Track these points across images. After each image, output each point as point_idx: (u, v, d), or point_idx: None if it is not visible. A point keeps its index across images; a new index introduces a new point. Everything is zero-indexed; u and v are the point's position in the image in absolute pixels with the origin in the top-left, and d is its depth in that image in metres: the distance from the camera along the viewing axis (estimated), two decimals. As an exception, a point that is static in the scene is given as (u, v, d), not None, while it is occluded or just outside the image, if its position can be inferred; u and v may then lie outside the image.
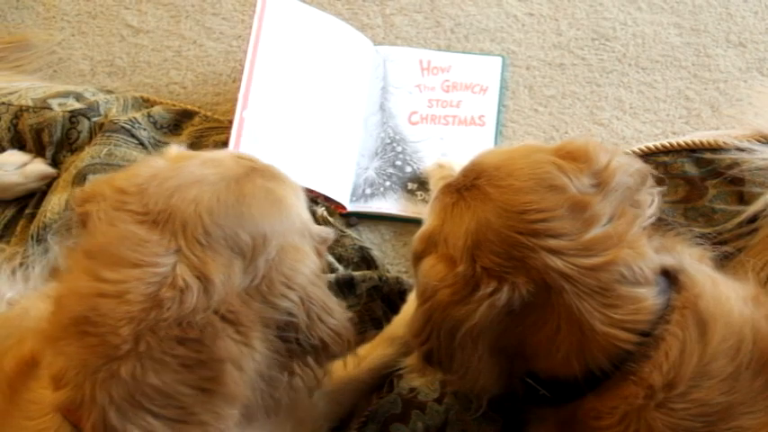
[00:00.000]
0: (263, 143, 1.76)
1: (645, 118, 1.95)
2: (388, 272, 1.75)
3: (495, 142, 1.92)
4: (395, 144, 1.92)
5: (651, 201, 1.28)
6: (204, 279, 1.05)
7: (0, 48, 2.04)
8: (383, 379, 1.56)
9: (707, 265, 1.34)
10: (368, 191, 1.87)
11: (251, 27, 1.84)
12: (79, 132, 1.85)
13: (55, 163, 1.85)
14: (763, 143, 1.69)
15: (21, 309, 1.40)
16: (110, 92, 1.99)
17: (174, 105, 1.96)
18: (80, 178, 1.76)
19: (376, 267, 1.75)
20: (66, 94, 1.91)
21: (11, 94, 1.90)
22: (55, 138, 1.85)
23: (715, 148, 1.73)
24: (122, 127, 1.84)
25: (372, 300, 1.67)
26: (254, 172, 1.19)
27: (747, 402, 1.13)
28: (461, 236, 1.20)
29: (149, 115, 1.90)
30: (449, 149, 1.90)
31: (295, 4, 1.93)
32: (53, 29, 2.13)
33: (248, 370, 1.09)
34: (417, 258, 1.28)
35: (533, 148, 1.28)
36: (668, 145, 1.78)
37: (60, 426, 1.07)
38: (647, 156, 1.77)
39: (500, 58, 2.02)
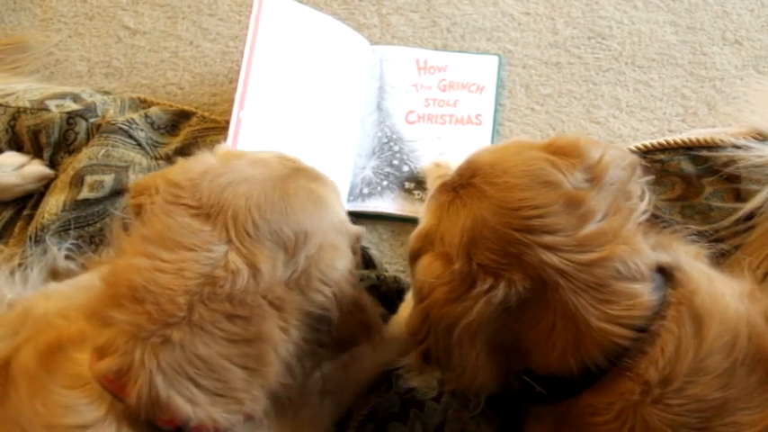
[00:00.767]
0: (260, 143, 1.76)
1: (641, 116, 1.95)
2: (385, 271, 1.75)
3: (492, 141, 1.92)
4: (392, 143, 1.92)
5: (641, 192, 1.28)
6: (253, 267, 1.13)
7: (-3, 50, 2.05)
8: (381, 378, 1.56)
9: (703, 262, 1.34)
10: (365, 190, 1.87)
11: (248, 27, 1.84)
12: (76, 134, 1.85)
13: (52, 164, 1.85)
14: (759, 141, 1.69)
15: (21, 309, 1.40)
16: (107, 93, 1.99)
17: (171, 106, 1.96)
18: (78, 179, 1.76)
19: (374, 267, 1.75)
20: (63, 96, 1.90)
21: (8, 95, 1.89)
22: (52, 139, 1.85)
23: (711, 146, 1.74)
24: (120, 128, 1.84)
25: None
26: (298, 173, 1.27)
27: (743, 398, 1.13)
28: (457, 233, 1.20)
29: (147, 116, 1.90)
30: (446, 148, 1.91)
31: (291, 4, 1.94)
32: (50, 30, 2.13)
33: (284, 358, 1.16)
34: (414, 257, 1.28)
35: (525, 145, 1.28)
36: (665, 143, 1.78)
37: (101, 395, 1.11)
38: (644, 154, 1.77)
39: (496, 57, 2.02)
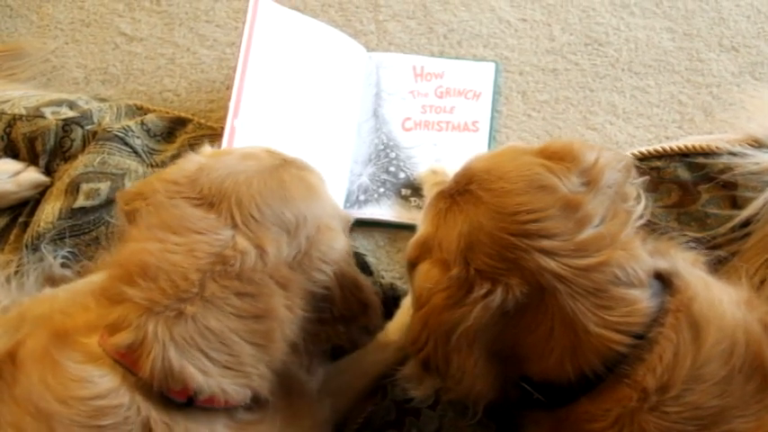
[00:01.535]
0: (256, 150, 1.75)
1: (638, 123, 1.95)
2: (382, 278, 1.74)
3: (489, 148, 1.91)
4: (388, 150, 1.92)
5: (637, 194, 1.28)
6: (260, 248, 1.18)
7: (-6, 57, 2.04)
8: (377, 385, 1.55)
9: (700, 269, 1.34)
10: (362, 197, 1.87)
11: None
12: (72, 141, 1.85)
13: (48, 171, 1.85)
14: (755, 147, 1.69)
15: (19, 311, 1.41)
16: (103, 100, 1.98)
17: (167, 113, 1.95)
18: (74, 187, 1.75)
19: (370, 273, 1.74)
20: (59, 103, 1.90)
21: (4, 102, 1.89)
22: (48, 146, 1.84)
23: (708, 153, 1.73)
24: (115, 135, 1.84)
25: (367, 306, 1.67)
26: (287, 163, 1.34)
27: (740, 406, 1.13)
28: (454, 239, 1.20)
29: (143, 123, 1.89)
30: (442, 155, 1.90)
31: (286, 12, 1.93)
32: (47, 37, 2.13)
33: (288, 336, 1.21)
34: (412, 265, 1.28)
35: (519, 151, 1.28)
36: (661, 150, 1.78)
37: (114, 367, 1.13)
38: (640, 160, 1.77)
39: (493, 64, 2.02)
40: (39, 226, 1.71)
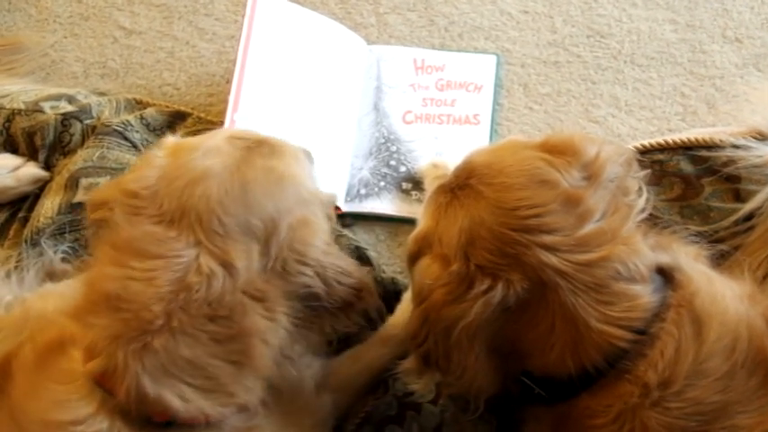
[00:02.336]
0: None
1: (640, 115, 1.94)
2: (383, 272, 1.74)
3: (491, 141, 1.91)
4: (389, 144, 1.91)
5: (639, 187, 1.27)
6: (228, 265, 1.12)
7: (-8, 51, 2.04)
8: (378, 380, 1.55)
9: (702, 263, 1.33)
10: (362, 191, 1.86)
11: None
12: (72, 135, 1.84)
13: (48, 166, 1.84)
14: (759, 140, 1.68)
15: (22, 310, 1.40)
16: (102, 94, 1.98)
17: (167, 107, 1.95)
18: (73, 182, 1.74)
19: (371, 268, 1.74)
20: (58, 97, 1.89)
21: (2, 97, 1.88)
22: (47, 141, 1.84)
23: (711, 146, 1.72)
24: (115, 129, 1.83)
25: (367, 300, 1.66)
26: (251, 153, 1.24)
27: (742, 401, 1.12)
28: (455, 235, 1.19)
29: (142, 117, 1.89)
30: (443, 149, 1.90)
31: (286, 4, 1.93)
32: (45, 31, 2.12)
33: (273, 344, 1.16)
34: (412, 260, 1.28)
35: (520, 144, 1.28)
36: (664, 143, 1.77)
37: (92, 390, 1.12)
38: (643, 153, 1.76)
39: (494, 57, 2.01)
40: (38, 221, 1.71)
